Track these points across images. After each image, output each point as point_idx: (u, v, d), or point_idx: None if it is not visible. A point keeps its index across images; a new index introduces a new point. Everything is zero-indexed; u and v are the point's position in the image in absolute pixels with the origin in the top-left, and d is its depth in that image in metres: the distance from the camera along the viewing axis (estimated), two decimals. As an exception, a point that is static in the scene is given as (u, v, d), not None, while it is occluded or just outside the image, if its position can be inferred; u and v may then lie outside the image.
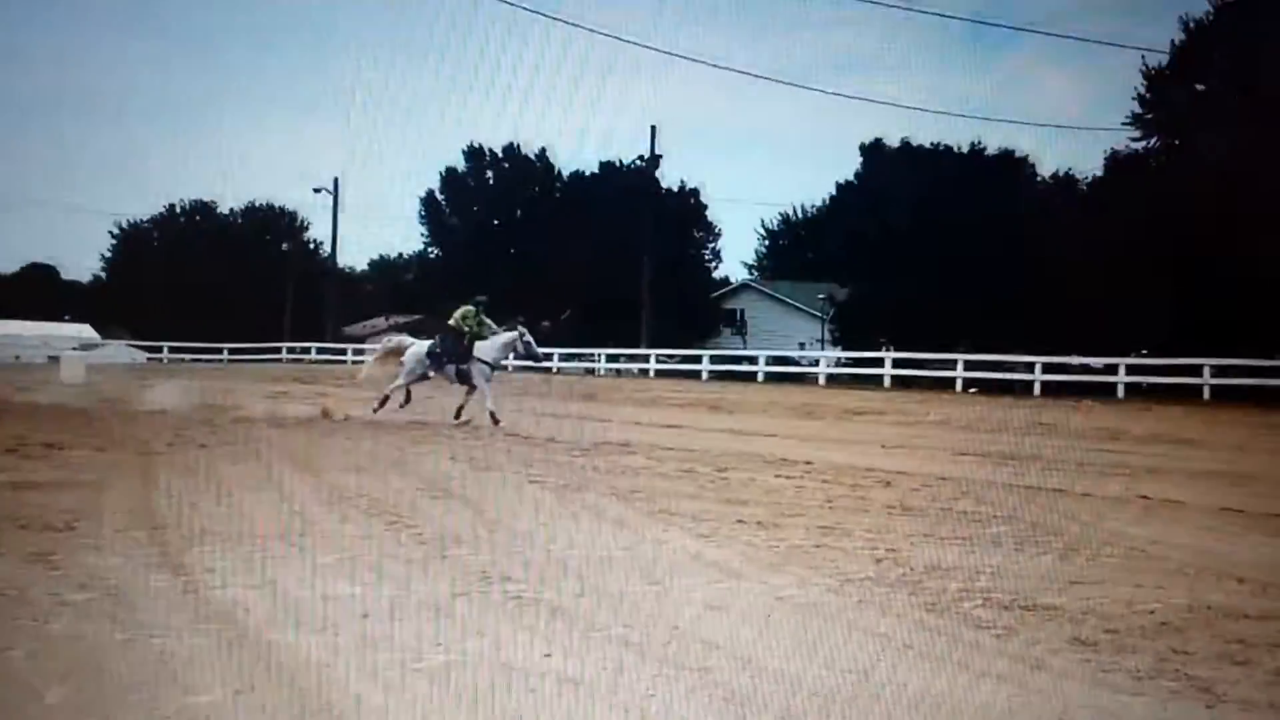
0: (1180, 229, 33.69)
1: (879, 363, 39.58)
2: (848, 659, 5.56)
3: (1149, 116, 38.14)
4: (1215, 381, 31.14)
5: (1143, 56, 38.41)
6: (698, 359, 44.99)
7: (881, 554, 8.08)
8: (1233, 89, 35.11)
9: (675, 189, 57.86)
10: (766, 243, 73.47)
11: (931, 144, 47.74)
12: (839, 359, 44.09)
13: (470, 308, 18.89)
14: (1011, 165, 46.20)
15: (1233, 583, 7.35)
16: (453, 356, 18.48)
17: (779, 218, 74.10)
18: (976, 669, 5.44)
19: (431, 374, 18.85)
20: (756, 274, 70.36)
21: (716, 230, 60.38)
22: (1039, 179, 45.52)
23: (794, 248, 72.13)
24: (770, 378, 41.81)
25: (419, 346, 19.14)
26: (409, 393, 18.87)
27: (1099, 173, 41.97)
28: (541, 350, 22.23)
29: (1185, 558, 8.15)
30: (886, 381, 37.80)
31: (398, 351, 19.55)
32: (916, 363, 38.74)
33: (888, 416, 17.41)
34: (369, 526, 8.81)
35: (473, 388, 18.42)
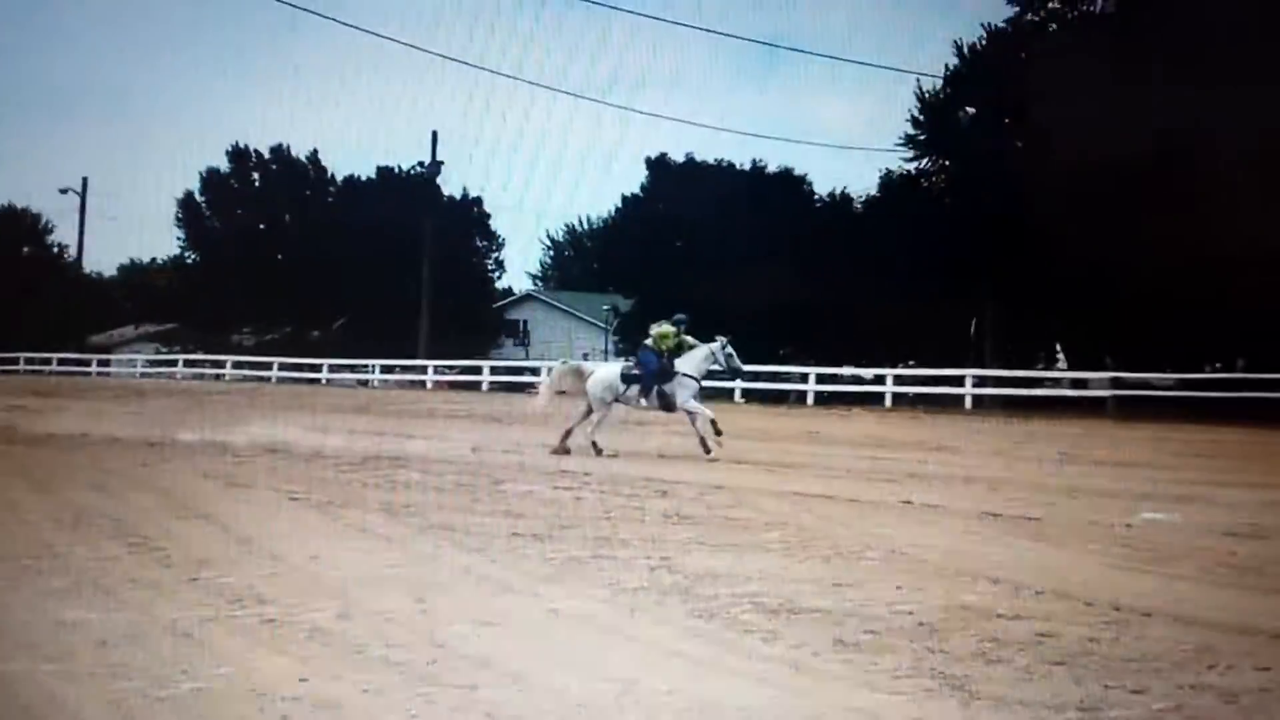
0: (951, 244, 35.81)
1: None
2: (617, 669, 5.61)
3: (922, 138, 40.33)
4: (976, 391, 33.22)
5: (918, 80, 40.59)
6: (478, 370, 44.68)
7: (656, 562, 8.21)
8: (1002, 112, 37.61)
9: (457, 197, 57.33)
10: (551, 253, 73.90)
11: (715, 160, 49.11)
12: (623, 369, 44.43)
13: (670, 327, 16.78)
14: (791, 183, 48.03)
15: (988, 583, 7.80)
16: (656, 377, 16.41)
17: (564, 228, 74.70)
18: (741, 672, 5.59)
19: (641, 402, 16.65)
20: (540, 284, 70.60)
21: (500, 240, 60.20)
22: (816, 197, 47.48)
23: (579, 258, 72.78)
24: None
25: (606, 370, 17.23)
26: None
27: (873, 192, 44.10)
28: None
29: (943, 560, 8.61)
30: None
31: (578, 376, 17.20)
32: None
33: (667, 426, 17.72)
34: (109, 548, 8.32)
35: (676, 409, 16.52)
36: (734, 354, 16.95)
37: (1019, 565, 8.48)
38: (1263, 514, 11.21)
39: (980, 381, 33.72)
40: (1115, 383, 32.48)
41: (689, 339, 16.89)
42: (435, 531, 9.38)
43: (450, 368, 46.22)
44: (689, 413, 16.47)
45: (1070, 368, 39.09)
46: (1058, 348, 41.98)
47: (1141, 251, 30.49)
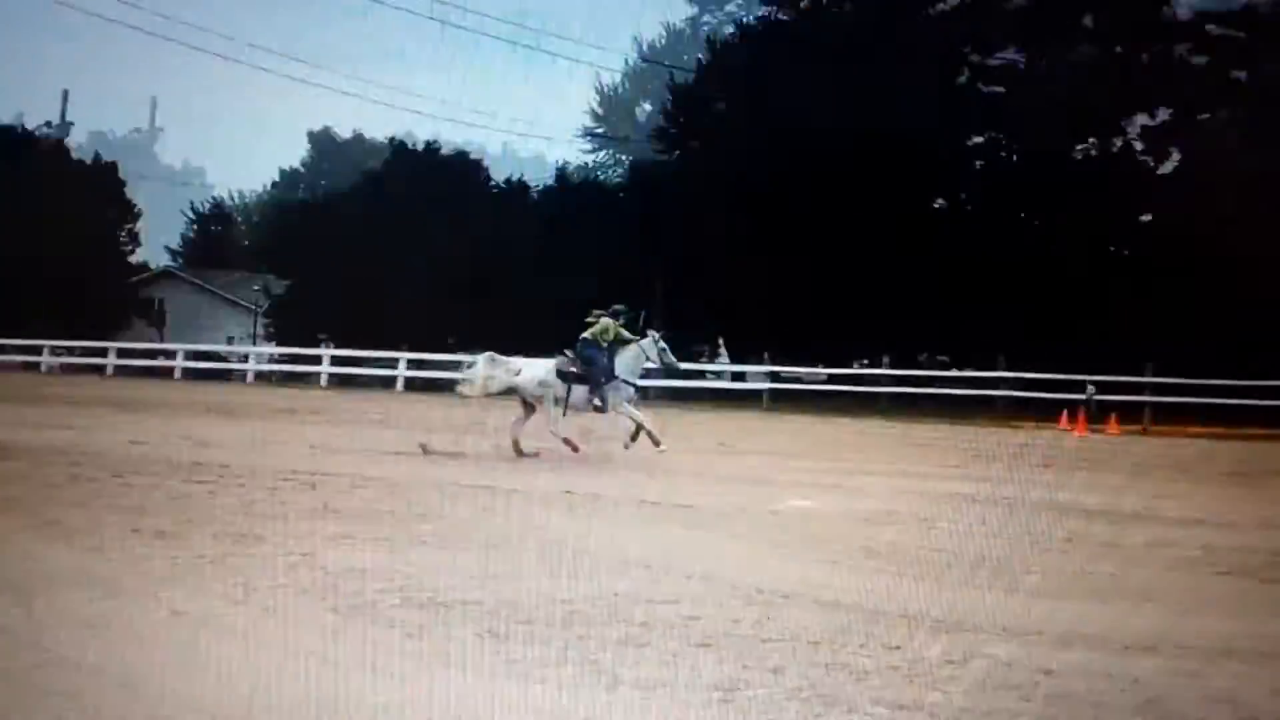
0: (622, 238, 36.98)
1: (316, 360, 39.58)
2: (247, 672, 5.37)
3: (600, 130, 41.46)
4: (645, 383, 34.36)
5: (597, 73, 41.69)
6: (103, 353, 41.82)
7: (296, 559, 7.95)
8: (748, 108, 39.16)
9: (88, 161, 53.21)
10: (195, 227, 69.89)
11: (386, 137, 48.40)
12: (271, 355, 43.62)
13: (610, 320, 15.78)
14: (467, 166, 47.98)
15: (641, 570, 8.09)
16: (600, 376, 15.50)
17: (210, 201, 70.98)
18: (384, 669, 5.50)
19: (581, 403, 15.70)
20: (180, 261, 66.72)
21: (135, 210, 56.36)
22: (493, 183, 47.64)
23: (228, 234, 69.45)
24: (191, 374, 39.96)
25: (537, 367, 15.78)
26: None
27: (550, 182, 44.85)
28: None
29: (599, 548, 8.84)
30: (324, 380, 38.08)
31: (505, 371, 15.92)
32: (357, 360, 39.07)
33: (321, 416, 17.24)
34: None
35: (608, 412, 15.76)
36: (667, 349, 16.30)
37: (672, 552, 8.84)
38: (895, 501, 12.24)
39: (645, 374, 34.93)
40: (771, 376, 34.67)
41: (625, 332, 16.09)
42: (41, 529, 8.68)
43: (70, 349, 42.91)
44: (629, 418, 15.83)
45: (732, 361, 41.27)
46: (720, 342, 44.21)
47: (801, 252, 32.64)
